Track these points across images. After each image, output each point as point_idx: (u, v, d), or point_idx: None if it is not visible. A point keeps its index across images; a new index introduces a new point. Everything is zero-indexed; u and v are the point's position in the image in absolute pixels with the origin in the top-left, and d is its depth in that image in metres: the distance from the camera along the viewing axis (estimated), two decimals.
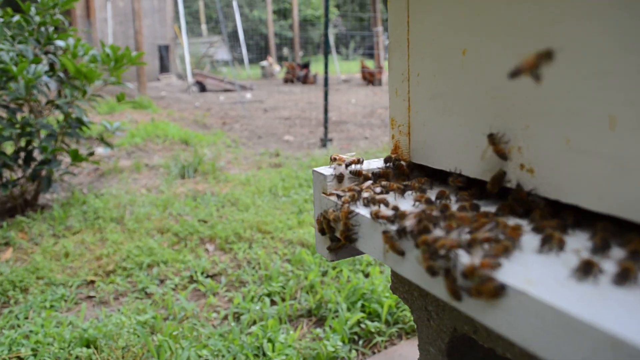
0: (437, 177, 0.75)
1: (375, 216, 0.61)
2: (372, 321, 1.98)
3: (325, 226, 0.70)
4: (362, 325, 1.94)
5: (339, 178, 0.73)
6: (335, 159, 0.75)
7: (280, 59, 23.81)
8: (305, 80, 14.63)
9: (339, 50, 23.17)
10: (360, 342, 1.88)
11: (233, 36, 18.22)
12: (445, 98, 0.69)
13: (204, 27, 22.35)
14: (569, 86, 0.54)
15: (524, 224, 0.57)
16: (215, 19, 24.44)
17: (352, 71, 19.34)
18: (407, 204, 0.66)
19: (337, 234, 0.69)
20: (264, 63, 18.07)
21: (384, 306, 2.00)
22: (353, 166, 0.73)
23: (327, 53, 5.90)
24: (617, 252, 0.49)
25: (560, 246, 0.52)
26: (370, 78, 13.44)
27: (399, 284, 0.75)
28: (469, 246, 0.52)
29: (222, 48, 17.58)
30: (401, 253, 0.57)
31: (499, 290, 0.47)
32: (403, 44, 0.75)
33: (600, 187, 0.52)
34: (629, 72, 0.48)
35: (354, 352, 1.81)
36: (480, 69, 0.64)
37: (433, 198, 0.65)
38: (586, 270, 0.46)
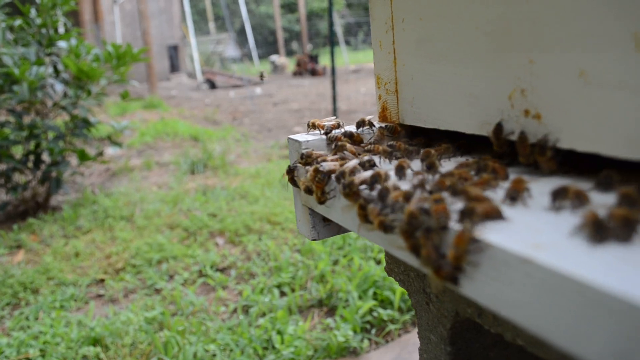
0: (438, 139, 0.67)
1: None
2: (385, 309, 1.91)
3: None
4: (375, 314, 1.88)
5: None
6: (314, 125, 0.68)
7: (289, 53, 23.68)
8: (314, 72, 14.56)
9: (347, 41, 22.92)
10: (373, 331, 1.82)
11: (241, 32, 18.18)
12: (433, 42, 0.60)
13: (211, 25, 22.35)
14: (581, 2, 0.44)
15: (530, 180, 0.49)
16: (222, 16, 24.44)
17: (361, 61, 19.11)
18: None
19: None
20: (273, 57, 17.99)
21: (396, 293, 1.93)
22: (333, 132, 0.66)
23: (332, 42, 5.81)
24: None
25: (578, 201, 0.42)
26: None
27: (394, 264, 0.68)
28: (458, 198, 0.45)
29: (230, 45, 17.56)
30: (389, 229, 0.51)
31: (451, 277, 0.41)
32: None
33: (628, 127, 0.43)
34: None
35: (366, 341, 1.75)
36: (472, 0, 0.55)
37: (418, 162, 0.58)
38: (627, 228, 0.36)
